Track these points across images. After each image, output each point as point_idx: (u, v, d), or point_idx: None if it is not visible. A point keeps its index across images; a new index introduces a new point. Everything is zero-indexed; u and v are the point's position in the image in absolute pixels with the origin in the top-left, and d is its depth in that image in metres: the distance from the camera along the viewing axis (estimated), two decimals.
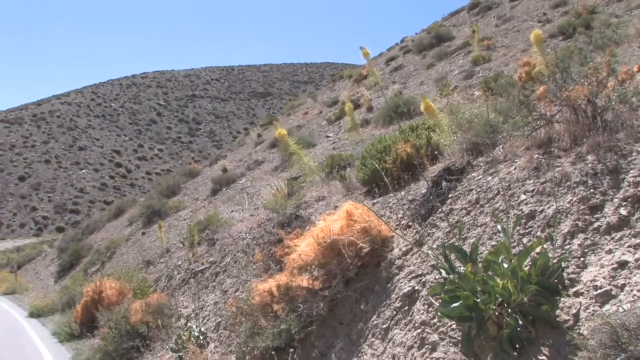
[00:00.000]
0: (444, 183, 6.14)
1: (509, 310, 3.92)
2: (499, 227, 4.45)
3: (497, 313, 3.98)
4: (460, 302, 3.98)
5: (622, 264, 3.89)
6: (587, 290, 3.91)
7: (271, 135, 30.67)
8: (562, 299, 3.99)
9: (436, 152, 8.00)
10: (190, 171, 34.48)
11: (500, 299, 3.97)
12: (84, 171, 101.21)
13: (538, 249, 4.39)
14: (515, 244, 4.55)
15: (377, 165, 7.81)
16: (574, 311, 3.86)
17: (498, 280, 3.95)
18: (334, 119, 26.70)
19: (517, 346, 3.87)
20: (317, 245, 6.19)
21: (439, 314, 4.30)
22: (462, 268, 4.31)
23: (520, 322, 3.88)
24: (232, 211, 16.18)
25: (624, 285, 3.76)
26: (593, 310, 3.74)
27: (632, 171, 4.45)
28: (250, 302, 6.64)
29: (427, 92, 19.61)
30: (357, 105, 25.09)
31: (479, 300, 3.92)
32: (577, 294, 3.95)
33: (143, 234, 23.37)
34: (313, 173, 9.91)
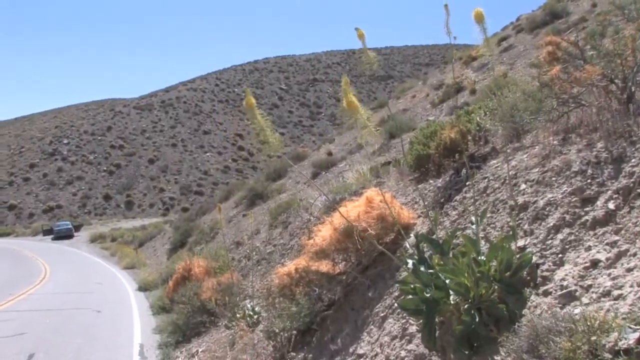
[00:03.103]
0: (463, 170, 5.88)
1: (465, 306, 3.72)
2: (472, 218, 4.21)
3: (457, 309, 3.80)
4: (417, 294, 3.83)
5: (595, 263, 3.57)
6: (555, 290, 3.63)
7: (378, 118, 30.59)
8: (532, 297, 3.73)
9: (488, 137, 7.67)
10: (298, 155, 35.05)
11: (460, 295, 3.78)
12: (208, 154, 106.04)
13: (521, 243, 4.15)
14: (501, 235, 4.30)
15: (420, 151, 7.61)
16: (538, 312, 3.59)
17: (454, 275, 3.75)
18: (438, 102, 26.14)
19: (475, 344, 3.67)
20: (333, 230, 6.16)
21: (395, 304, 4.16)
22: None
23: (478, 320, 3.67)
24: (320, 195, 16.36)
25: (590, 286, 3.45)
26: (553, 313, 3.46)
27: (633, 160, 4.05)
28: (270, 285, 6.74)
29: (531, 73, 18.68)
30: (460, 88, 24.40)
31: (428, 294, 3.74)
32: (545, 293, 3.68)
33: (244, 215, 24.08)
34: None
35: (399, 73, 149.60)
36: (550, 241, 4.01)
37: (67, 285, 22.27)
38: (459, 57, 36.47)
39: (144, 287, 21.36)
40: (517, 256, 3.81)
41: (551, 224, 4.11)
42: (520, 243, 4.15)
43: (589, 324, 2.77)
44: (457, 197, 5.72)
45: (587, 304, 3.27)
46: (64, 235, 60.09)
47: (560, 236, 3.98)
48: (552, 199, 4.30)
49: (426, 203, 6.27)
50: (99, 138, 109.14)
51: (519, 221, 4.41)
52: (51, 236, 61.70)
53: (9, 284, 22.74)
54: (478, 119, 7.44)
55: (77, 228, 66.48)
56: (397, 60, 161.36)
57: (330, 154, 28.10)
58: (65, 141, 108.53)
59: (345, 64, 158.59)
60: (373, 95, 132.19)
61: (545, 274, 3.81)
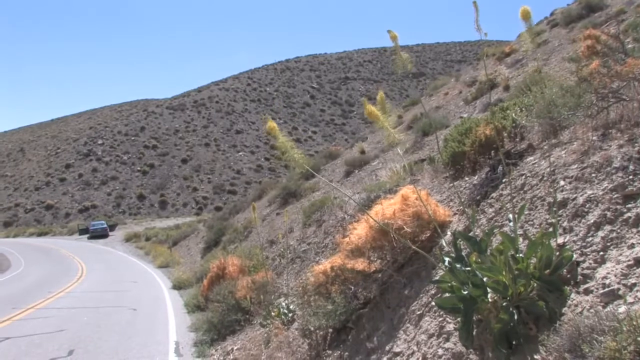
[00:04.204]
0: (499, 168, 5.82)
1: (503, 304, 3.67)
2: (510, 216, 4.16)
3: (495, 307, 3.75)
4: (454, 293, 3.80)
5: (639, 261, 3.49)
6: (597, 288, 3.56)
7: (411, 116, 30.44)
8: (572, 295, 3.67)
9: (524, 133, 7.57)
10: (330, 153, 35.02)
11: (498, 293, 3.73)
12: (240, 153, 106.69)
13: (561, 240, 4.08)
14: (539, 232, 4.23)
15: (455, 148, 7.55)
16: (579, 310, 3.53)
17: (491, 273, 3.71)
18: (471, 99, 25.87)
19: (514, 342, 3.62)
20: (369, 228, 6.15)
21: (432, 303, 4.13)
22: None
23: (516, 318, 3.62)
24: (355, 193, 16.34)
25: (634, 284, 3.37)
26: (595, 311, 3.39)
27: None
28: (305, 283, 6.76)
29: (567, 68, 18.42)
30: (493, 85, 24.11)
31: (466, 292, 3.71)
32: (587, 292, 3.61)
33: (277, 214, 24.18)
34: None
35: (430, 70, 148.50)
36: (590, 238, 3.93)
37: (103, 284, 22.69)
38: (492, 54, 36.03)
39: (178, 286, 21.64)
40: (557, 253, 3.75)
41: (591, 221, 4.04)
42: (560, 240, 4.08)
43: (634, 323, 2.71)
44: (494, 195, 5.65)
45: (631, 303, 3.20)
46: (99, 235, 61.24)
47: (601, 233, 3.90)
48: (592, 196, 4.22)
49: (462, 200, 6.22)
50: (133, 138, 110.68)
51: (558, 218, 4.35)
52: (87, 235, 62.88)
53: (48, 282, 23.30)
54: (514, 115, 7.35)
55: (112, 227, 67.63)
56: (429, 58, 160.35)
57: (363, 152, 28.01)
58: (100, 142, 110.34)
59: (376, 61, 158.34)
60: (405, 93, 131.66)
61: (586, 271, 3.73)
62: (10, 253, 42.13)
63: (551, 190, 4.67)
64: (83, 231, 66.15)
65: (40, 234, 74.65)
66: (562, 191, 4.54)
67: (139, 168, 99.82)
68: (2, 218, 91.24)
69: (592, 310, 3.36)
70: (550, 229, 4.05)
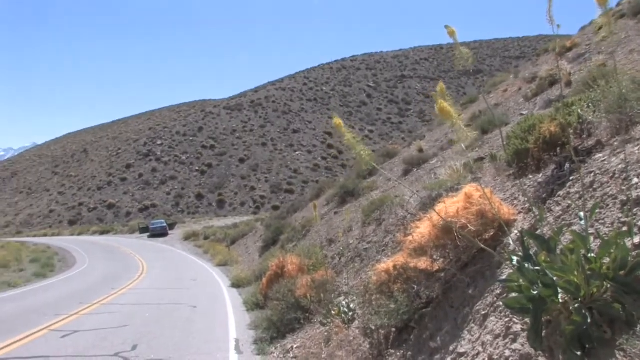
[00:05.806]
0: (566, 165, 5.66)
1: (575, 305, 3.56)
2: (580, 214, 4.02)
3: (566, 308, 3.64)
4: (523, 293, 3.71)
5: None
6: None
7: (469, 114, 29.99)
8: None
9: (591, 130, 7.34)
10: (388, 152, 34.86)
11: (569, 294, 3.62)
12: (297, 153, 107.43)
13: (637, 240, 3.93)
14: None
15: (518, 145, 7.40)
16: None
17: (563, 273, 3.60)
18: (531, 96, 25.29)
19: (587, 346, 3.51)
20: (432, 227, 6.08)
21: (500, 302, 4.04)
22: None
23: (590, 320, 3.50)
24: (415, 192, 16.19)
25: None
26: None
27: None
28: (368, 282, 6.74)
29: (637, 61, 17.78)
30: (554, 81, 23.51)
31: (535, 292, 3.61)
32: None
33: (335, 213, 24.18)
34: None
35: (488, 67, 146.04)
36: None
37: (163, 281, 23.22)
38: (553, 48, 35.08)
39: (237, 284, 21.86)
40: (633, 254, 3.61)
41: None
42: (636, 240, 3.93)
43: None
44: (561, 193, 5.51)
45: None
46: (159, 233, 62.69)
47: None
48: None
49: (528, 198, 6.09)
50: (191, 138, 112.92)
51: (633, 217, 4.19)
52: (147, 234, 64.50)
53: (111, 279, 24.04)
54: (579, 111, 7.14)
55: (171, 226, 69.18)
56: (487, 54, 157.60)
57: (421, 150, 27.72)
58: (159, 142, 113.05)
59: (433, 59, 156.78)
60: (462, 91, 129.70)
61: None
62: (75, 250, 43.71)
63: (624, 187, 4.51)
64: (143, 230, 67.96)
65: (102, 232, 77.20)
66: (636, 189, 4.39)
67: (197, 168, 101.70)
68: (67, 217, 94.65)
69: None
70: (624, 228, 3.90)
